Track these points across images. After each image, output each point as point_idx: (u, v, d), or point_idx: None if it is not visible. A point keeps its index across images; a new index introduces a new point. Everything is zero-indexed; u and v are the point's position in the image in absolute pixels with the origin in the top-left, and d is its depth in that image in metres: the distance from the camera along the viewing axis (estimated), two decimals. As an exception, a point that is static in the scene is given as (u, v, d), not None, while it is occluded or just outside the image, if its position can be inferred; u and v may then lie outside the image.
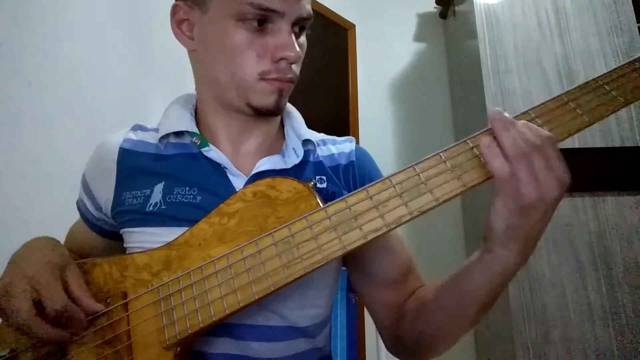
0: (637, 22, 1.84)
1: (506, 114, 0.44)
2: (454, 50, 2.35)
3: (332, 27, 2.19)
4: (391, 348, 0.64)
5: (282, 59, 0.55)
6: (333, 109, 2.09)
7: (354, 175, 0.67)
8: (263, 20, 0.54)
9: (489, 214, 0.45)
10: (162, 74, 1.48)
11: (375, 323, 0.66)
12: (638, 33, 1.82)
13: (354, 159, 0.68)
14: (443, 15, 2.45)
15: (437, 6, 2.45)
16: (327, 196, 0.60)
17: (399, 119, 2.33)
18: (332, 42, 2.18)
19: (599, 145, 1.69)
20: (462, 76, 2.19)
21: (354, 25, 2.31)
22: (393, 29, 2.46)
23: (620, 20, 1.83)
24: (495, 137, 0.44)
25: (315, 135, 0.70)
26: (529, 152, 0.42)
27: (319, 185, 0.62)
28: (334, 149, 0.69)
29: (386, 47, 2.41)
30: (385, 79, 2.37)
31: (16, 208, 1.09)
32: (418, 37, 2.50)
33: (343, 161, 0.67)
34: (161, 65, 1.48)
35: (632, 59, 0.48)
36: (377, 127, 2.22)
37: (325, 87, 2.06)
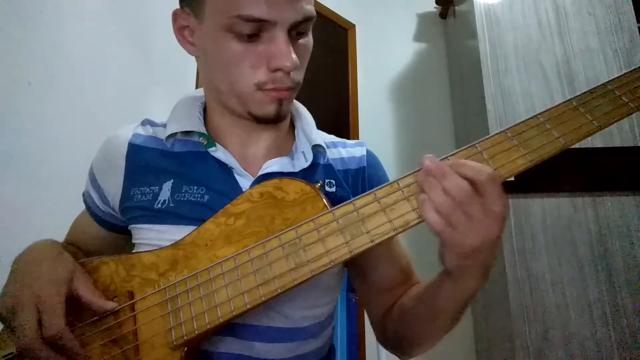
0: (637, 22, 1.84)
1: (435, 163, 0.42)
2: (454, 50, 2.35)
3: (332, 27, 2.19)
4: (381, 342, 0.68)
5: (277, 69, 0.53)
6: (333, 109, 2.09)
7: (363, 180, 0.66)
8: (255, 31, 0.52)
9: (440, 255, 0.46)
10: (162, 73, 1.48)
11: (369, 319, 0.69)
12: (638, 33, 1.82)
13: (365, 164, 0.67)
14: (443, 15, 2.45)
15: (437, 6, 2.45)
16: (335, 200, 0.59)
17: (399, 119, 2.33)
18: (332, 42, 2.17)
19: (598, 146, 1.69)
20: (462, 76, 2.19)
21: (354, 25, 2.31)
22: (393, 29, 2.46)
23: (620, 20, 1.83)
24: None
25: (325, 137, 0.69)
26: (463, 201, 0.40)
27: (327, 189, 0.61)
28: (344, 153, 0.68)
29: (386, 47, 2.41)
30: (385, 79, 2.37)
31: (16, 208, 1.09)
32: (418, 37, 2.50)
33: (353, 166, 0.67)
34: (161, 65, 1.48)
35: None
36: (377, 127, 2.22)
37: (325, 87, 2.06)
